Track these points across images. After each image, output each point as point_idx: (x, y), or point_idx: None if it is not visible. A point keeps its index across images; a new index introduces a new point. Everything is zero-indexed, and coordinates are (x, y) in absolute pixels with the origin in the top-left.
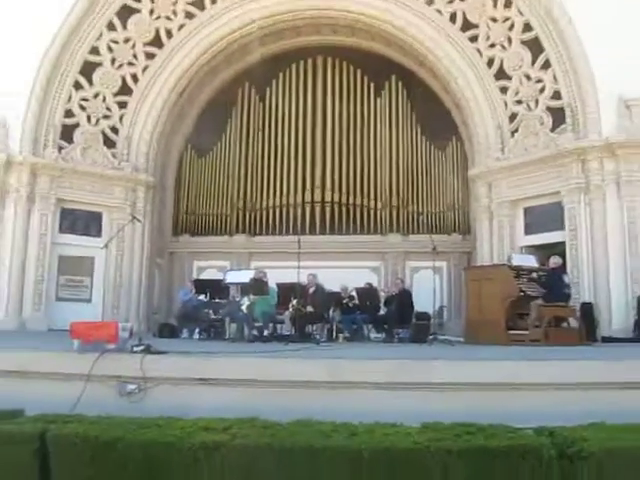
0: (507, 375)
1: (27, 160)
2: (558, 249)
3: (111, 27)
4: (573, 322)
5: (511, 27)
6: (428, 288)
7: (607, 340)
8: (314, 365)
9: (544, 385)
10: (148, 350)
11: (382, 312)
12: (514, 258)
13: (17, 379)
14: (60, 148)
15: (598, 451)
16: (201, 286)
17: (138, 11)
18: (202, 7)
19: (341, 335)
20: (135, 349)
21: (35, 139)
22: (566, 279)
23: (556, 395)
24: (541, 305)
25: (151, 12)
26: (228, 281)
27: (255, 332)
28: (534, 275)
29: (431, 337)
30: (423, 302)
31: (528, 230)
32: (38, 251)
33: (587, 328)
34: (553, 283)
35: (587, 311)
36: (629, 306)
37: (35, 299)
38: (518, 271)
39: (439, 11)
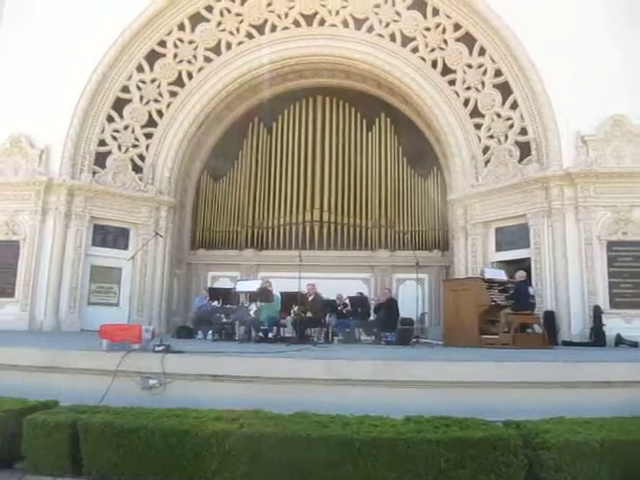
0: (480, 374)
1: (66, 182)
2: (524, 264)
3: (140, 69)
4: (537, 328)
5: (484, 72)
6: (412, 297)
7: (567, 344)
8: (312, 364)
9: (512, 383)
10: (168, 349)
11: (372, 318)
12: (486, 272)
13: (52, 374)
14: (94, 172)
15: (558, 442)
16: (215, 293)
17: (163, 55)
18: (219, 52)
19: (336, 338)
20: (156, 348)
21: (73, 164)
22: (531, 290)
23: (522, 392)
24: (509, 313)
25: (175, 56)
26: (238, 289)
27: (261, 334)
28: (503, 287)
29: (414, 340)
30: (407, 309)
31: (499, 247)
32: (73, 261)
33: (549, 333)
34: (520, 294)
35: (549, 318)
36: (586, 315)
37: (70, 303)
38: (490, 283)
39: (422, 58)
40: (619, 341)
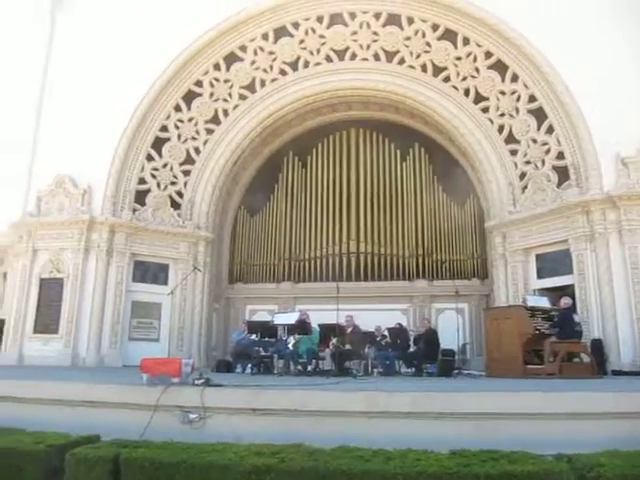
0: (526, 405)
1: (107, 220)
2: (568, 291)
3: (178, 109)
4: (585, 357)
5: (518, 99)
6: (452, 327)
7: (617, 373)
8: (352, 397)
9: (560, 415)
10: (207, 383)
11: (411, 349)
12: (528, 299)
13: (94, 408)
14: (134, 210)
15: (615, 476)
16: (253, 327)
17: (200, 95)
18: (253, 90)
19: (375, 370)
20: (196, 382)
21: (114, 203)
22: (576, 318)
23: (571, 424)
24: (555, 342)
25: (211, 95)
26: (276, 322)
27: (300, 367)
28: (547, 315)
29: (456, 372)
30: (448, 340)
31: (540, 274)
32: (115, 297)
33: (598, 362)
34: (565, 322)
35: (597, 347)
36: (636, 342)
37: (112, 338)
38: (533, 311)
39: (455, 87)
40: None
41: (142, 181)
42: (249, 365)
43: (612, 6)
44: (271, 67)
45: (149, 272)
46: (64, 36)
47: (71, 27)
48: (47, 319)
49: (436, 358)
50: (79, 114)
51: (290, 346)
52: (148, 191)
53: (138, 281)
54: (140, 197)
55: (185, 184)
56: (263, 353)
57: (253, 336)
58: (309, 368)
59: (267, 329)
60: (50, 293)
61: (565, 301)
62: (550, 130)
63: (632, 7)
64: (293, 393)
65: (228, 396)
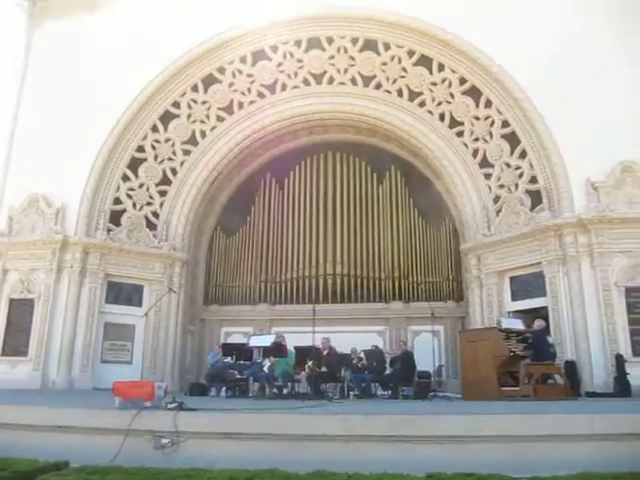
0: (502, 428)
1: (81, 240)
2: (541, 313)
3: (155, 129)
4: (559, 379)
5: (492, 123)
6: (428, 349)
7: (590, 395)
8: (328, 420)
9: (536, 437)
10: (180, 407)
11: (388, 372)
12: (503, 322)
13: (64, 433)
14: (109, 230)
15: None
16: (228, 349)
17: (177, 116)
18: (231, 112)
19: (352, 393)
20: (169, 406)
21: (88, 222)
22: (550, 340)
23: (547, 446)
24: (529, 364)
25: (188, 116)
26: (252, 345)
27: (275, 390)
28: (522, 337)
29: (432, 394)
30: (424, 362)
31: (514, 296)
32: (87, 319)
33: (571, 384)
34: (538, 344)
35: (570, 368)
36: (608, 363)
37: (83, 361)
38: (507, 333)
39: (430, 112)
40: None
41: (117, 201)
42: (224, 388)
43: (585, 27)
44: (249, 89)
45: (123, 293)
46: (40, 54)
47: (47, 46)
48: (16, 341)
49: (412, 380)
50: (54, 132)
51: (265, 369)
52: (123, 211)
53: (111, 302)
54: (115, 217)
55: (161, 204)
56: (238, 376)
57: (228, 358)
58: (285, 391)
59: (242, 351)
60: (20, 314)
61: (538, 323)
62: (523, 154)
63: (607, 26)
64: (268, 417)
65: (201, 420)
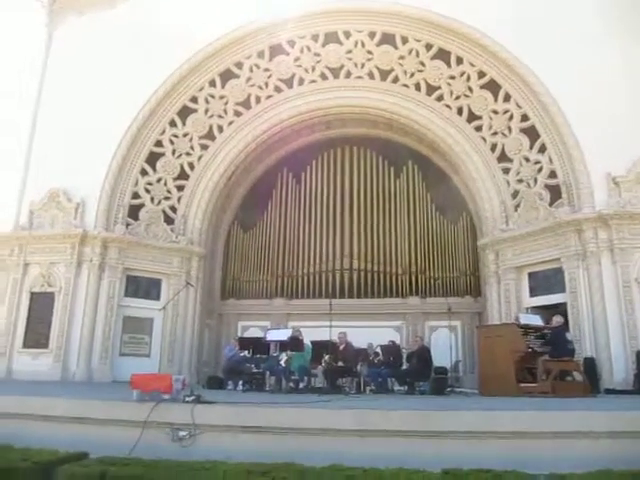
0: (519, 424)
1: (100, 235)
2: (560, 309)
3: (173, 124)
4: (577, 375)
5: (510, 118)
6: (445, 345)
7: (610, 392)
8: (344, 414)
9: (553, 433)
10: (198, 400)
11: (404, 367)
12: (521, 317)
13: (83, 424)
14: (127, 224)
15: None
16: (245, 343)
17: (195, 111)
18: (248, 106)
19: (368, 388)
20: (187, 399)
21: (107, 217)
22: (568, 336)
23: (565, 442)
24: (547, 360)
25: (206, 111)
26: (268, 339)
27: (292, 384)
28: (540, 333)
29: (448, 389)
30: (441, 357)
31: (533, 292)
32: (106, 312)
33: (590, 381)
34: (557, 340)
35: (590, 365)
36: (628, 360)
37: (102, 354)
38: (525, 329)
39: (448, 106)
40: None
41: (136, 195)
42: (240, 382)
43: (605, 25)
44: (266, 84)
45: (141, 287)
46: (60, 51)
47: (67, 42)
48: (37, 333)
49: (429, 376)
50: (74, 128)
51: (282, 363)
52: (142, 206)
53: (130, 296)
54: (133, 211)
55: (179, 199)
56: (255, 370)
57: (245, 353)
58: (301, 385)
59: (259, 345)
60: (41, 307)
61: (557, 319)
62: (542, 149)
63: (625, 26)
64: (284, 411)
65: (219, 413)
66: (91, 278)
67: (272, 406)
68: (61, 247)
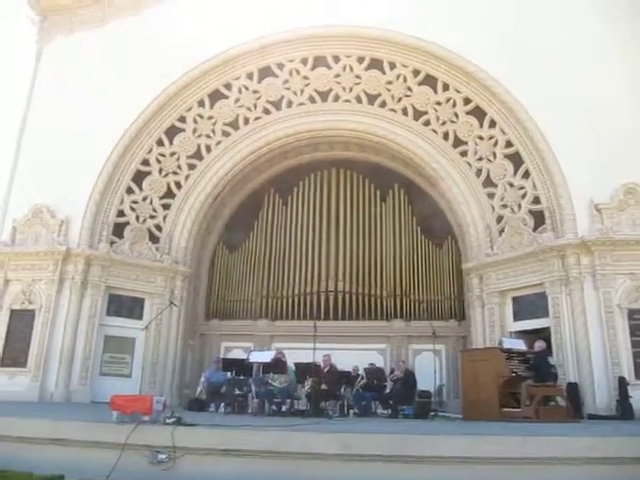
0: (503, 449)
1: (84, 252)
2: (544, 334)
3: (160, 143)
4: (561, 400)
5: (495, 143)
6: (429, 369)
7: (592, 417)
8: (327, 438)
9: (537, 459)
10: (179, 422)
11: (388, 390)
12: (505, 342)
13: (60, 446)
14: (112, 242)
15: None
16: (227, 364)
17: (183, 130)
18: (236, 127)
19: (352, 411)
20: (167, 421)
21: (91, 234)
22: (552, 361)
23: (549, 469)
24: (531, 385)
25: (194, 131)
26: (251, 360)
27: (274, 407)
28: (523, 357)
29: (432, 414)
30: (424, 381)
31: (516, 317)
32: (87, 331)
33: (573, 406)
34: (541, 365)
35: (573, 390)
36: (611, 386)
37: (82, 373)
38: (509, 353)
39: (434, 131)
40: None
41: (121, 213)
42: (222, 404)
43: (588, 52)
44: (255, 105)
45: (124, 306)
46: (49, 67)
47: (57, 59)
48: (16, 352)
49: (413, 400)
50: (60, 144)
51: (277, 383)
52: (127, 224)
53: (112, 315)
54: (118, 229)
55: (164, 218)
56: (237, 392)
57: (227, 373)
58: (284, 408)
59: (242, 367)
60: (20, 325)
61: (539, 344)
62: (526, 175)
63: (608, 51)
64: (267, 434)
65: (200, 436)
66: (73, 296)
67: (254, 429)
68: (43, 264)
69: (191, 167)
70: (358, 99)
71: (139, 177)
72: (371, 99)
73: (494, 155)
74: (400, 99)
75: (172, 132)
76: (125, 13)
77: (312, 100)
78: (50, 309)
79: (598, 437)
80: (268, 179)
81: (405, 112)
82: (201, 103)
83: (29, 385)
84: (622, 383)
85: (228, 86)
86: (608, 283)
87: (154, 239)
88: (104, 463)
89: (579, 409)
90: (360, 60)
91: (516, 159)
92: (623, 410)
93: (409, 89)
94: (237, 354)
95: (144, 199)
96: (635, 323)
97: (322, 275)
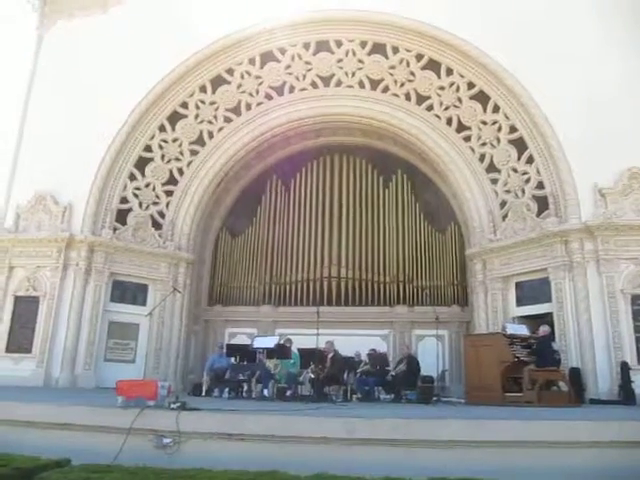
0: (505, 433)
1: (87, 239)
2: (547, 319)
3: (162, 129)
4: (563, 385)
5: (499, 129)
6: (432, 354)
7: (595, 402)
8: (331, 423)
9: (539, 443)
10: (183, 407)
11: (390, 375)
12: (508, 327)
13: (66, 431)
14: (115, 229)
15: None
16: (232, 350)
17: (185, 116)
18: (239, 113)
19: (355, 396)
20: (172, 406)
21: (94, 221)
22: (554, 346)
23: (550, 452)
24: (533, 370)
25: (196, 117)
26: (255, 346)
27: (275, 391)
28: (526, 343)
29: (435, 398)
30: (427, 366)
31: (519, 302)
32: (91, 317)
33: (575, 391)
34: (543, 349)
35: (575, 375)
36: (613, 371)
37: (86, 359)
38: (512, 339)
39: (437, 116)
40: None
41: (124, 200)
42: (226, 389)
43: (593, 35)
44: (257, 91)
45: (128, 292)
46: (50, 53)
47: (57, 45)
48: (21, 338)
49: (416, 385)
50: (63, 131)
51: (272, 370)
52: (130, 210)
53: (116, 301)
54: (121, 216)
55: (167, 204)
56: (241, 377)
57: (232, 359)
58: (288, 393)
59: (246, 353)
60: (25, 311)
61: (543, 329)
62: (530, 160)
63: (614, 35)
64: (270, 418)
65: (204, 420)
66: (77, 283)
67: (258, 414)
68: (47, 251)
69: (194, 153)
70: (361, 84)
71: (142, 163)
72: (374, 84)
73: (498, 140)
74: (403, 84)
75: (174, 118)
76: None
77: (314, 85)
78: (54, 296)
79: (600, 421)
80: (271, 165)
81: (408, 97)
82: (203, 89)
83: (34, 371)
84: (624, 368)
85: (230, 71)
86: (611, 268)
87: (157, 225)
88: (110, 447)
89: (581, 394)
90: (363, 45)
91: (520, 144)
92: (625, 395)
93: (412, 74)
94: (241, 340)
95: (147, 185)
96: (638, 308)
97: (325, 261)
